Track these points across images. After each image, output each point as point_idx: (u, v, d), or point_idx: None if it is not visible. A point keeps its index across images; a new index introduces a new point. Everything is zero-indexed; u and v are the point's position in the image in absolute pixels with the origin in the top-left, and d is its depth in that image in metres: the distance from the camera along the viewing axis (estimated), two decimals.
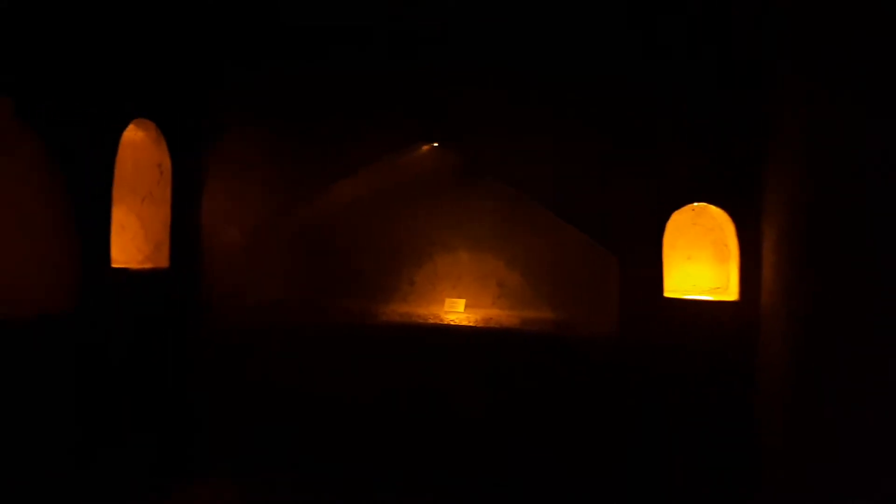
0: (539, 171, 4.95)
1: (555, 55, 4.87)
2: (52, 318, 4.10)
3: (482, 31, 4.85)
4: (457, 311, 5.86)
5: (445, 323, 5.60)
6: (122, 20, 4.56)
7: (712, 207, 4.70)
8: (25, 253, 4.19)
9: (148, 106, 4.84)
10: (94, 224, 4.39)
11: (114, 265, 4.60)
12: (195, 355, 5.35)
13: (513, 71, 4.96)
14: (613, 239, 4.84)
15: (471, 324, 5.56)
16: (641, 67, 4.73)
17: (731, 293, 4.69)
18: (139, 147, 5.03)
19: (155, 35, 4.90)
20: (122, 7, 4.51)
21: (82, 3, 4.19)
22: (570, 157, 4.88)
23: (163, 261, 5.11)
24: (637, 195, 4.74)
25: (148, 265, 5.05)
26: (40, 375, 4.01)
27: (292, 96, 5.31)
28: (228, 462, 5.23)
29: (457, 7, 4.58)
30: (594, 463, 4.78)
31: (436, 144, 5.32)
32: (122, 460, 4.65)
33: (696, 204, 4.71)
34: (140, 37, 4.75)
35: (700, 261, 4.92)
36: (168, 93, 5.06)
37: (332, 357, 5.37)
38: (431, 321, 5.70)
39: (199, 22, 5.09)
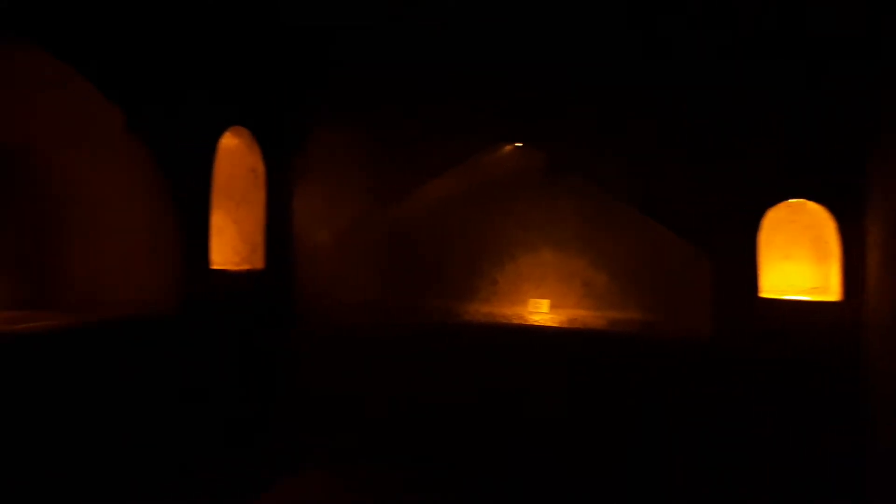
0: (626, 169, 4.87)
1: (646, 52, 4.78)
2: (161, 318, 4.36)
3: (566, 32, 4.83)
4: (541, 312, 5.84)
5: (529, 323, 5.60)
6: (216, 31, 4.79)
7: (810, 204, 4.49)
8: (137, 255, 4.48)
9: (242, 114, 5.06)
10: (195, 227, 4.62)
11: (212, 266, 4.84)
12: (290, 353, 5.56)
13: (598, 69, 4.90)
14: (705, 237, 4.70)
15: (555, 324, 5.53)
16: (736, 65, 4.58)
17: (833, 293, 4.47)
18: (234, 153, 5.27)
19: (248, 45, 5.12)
20: (215, 19, 4.74)
21: (180, 20, 4.43)
22: (659, 154, 4.78)
23: (258, 262, 5.33)
24: (730, 192, 4.59)
25: (245, 266, 5.28)
26: (149, 372, 4.28)
27: (379, 100, 5.44)
28: (322, 457, 5.39)
29: (542, 10, 4.59)
30: (679, 465, 4.66)
31: (519, 145, 5.32)
32: (224, 454, 4.88)
33: (792, 200, 4.52)
34: (234, 47, 4.98)
35: (798, 260, 4.71)
36: (260, 100, 5.27)
37: (417, 355, 5.45)
38: (515, 321, 5.71)
39: (287, 30, 5.28)
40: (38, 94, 3.99)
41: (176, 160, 4.39)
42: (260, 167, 5.32)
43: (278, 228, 5.50)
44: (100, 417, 3.91)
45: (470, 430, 5.23)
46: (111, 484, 3.95)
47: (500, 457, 5.12)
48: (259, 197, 5.36)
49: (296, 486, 4.93)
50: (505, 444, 5.13)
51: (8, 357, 3.42)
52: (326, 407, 5.52)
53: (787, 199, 4.51)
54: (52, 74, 3.70)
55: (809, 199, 4.46)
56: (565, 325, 5.52)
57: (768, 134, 4.51)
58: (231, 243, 5.36)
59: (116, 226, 4.50)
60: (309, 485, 4.99)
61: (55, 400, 3.64)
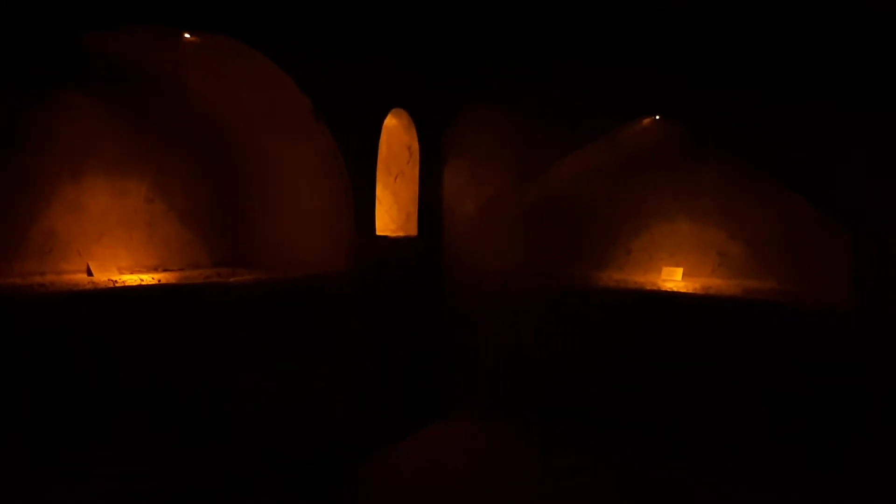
0: (769, 141, 4.93)
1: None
2: (338, 275, 5.07)
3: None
4: (674, 280, 6.03)
5: (662, 290, 5.83)
6: (382, 23, 5.37)
7: None
8: (316, 223, 5.21)
9: (403, 97, 5.64)
10: (363, 198, 5.27)
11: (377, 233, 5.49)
12: (440, 311, 6.18)
13: (740, 40, 5.01)
14: (845, 212, 4.73)
15: (688, 291, 5.73)
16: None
17: None
18: (393, 133, 5.88)
19: (410, 30, 5.67)
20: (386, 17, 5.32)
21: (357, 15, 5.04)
22: (802, 126, 4.82)
23: (412, 230, 5.95)
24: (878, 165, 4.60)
25: (400, 233, 5.92)
26: (332, 319, 5.01)
27: (522, 80, 5.83)
28: (469, 405, 6.00)
29: None
30: (823, 441, 4.79)
31: (657, 118, 5.53)
32: (382, 397, 5.57)
33: None
34: (399, 34, 5.54)
35: None
36: (418, 84, 5.83)
37: (553, 317, 5.90)
38: (648, 288, 5.96)
39: (444, 21, 5.78)
40: (241, 87, 4.73)
41: (349, 140, 5.03)
42: (415, 145, 5.90)
43: (429, 200, 6.09)
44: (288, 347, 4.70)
45: (603, 387, 5.64)
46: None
47: (627, 411, 5.51)
48: (413, 172, 5.96)
49: (440, 430, 5.54)
50: (631, 399, 5.51)
51: (230, 299, 4.25)
52: (465, 360, 6.12)
53: None
54: (254, 69, 4.41)
55: None
56: (698, 292, 5.71)
57: None
58: (389, 213, 6.01)
59: (300, 197, 5.24)
60: (452, 430, 5.58)
61: (261, 329, 4.49)
